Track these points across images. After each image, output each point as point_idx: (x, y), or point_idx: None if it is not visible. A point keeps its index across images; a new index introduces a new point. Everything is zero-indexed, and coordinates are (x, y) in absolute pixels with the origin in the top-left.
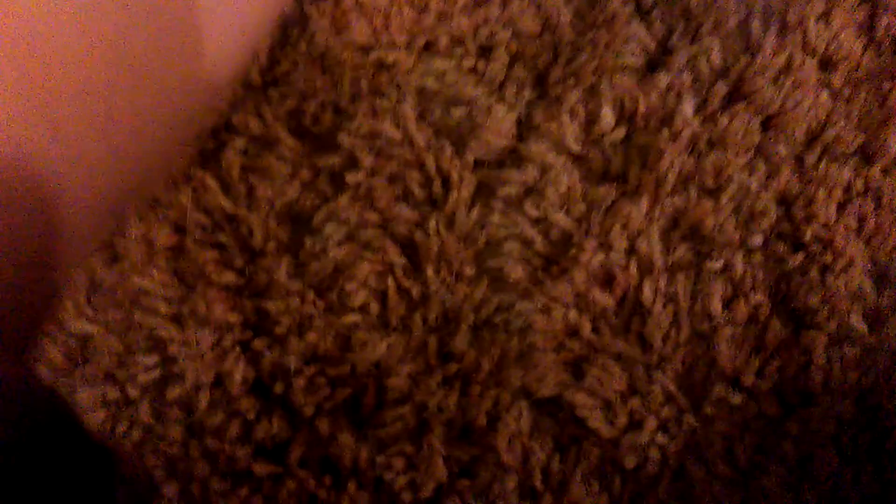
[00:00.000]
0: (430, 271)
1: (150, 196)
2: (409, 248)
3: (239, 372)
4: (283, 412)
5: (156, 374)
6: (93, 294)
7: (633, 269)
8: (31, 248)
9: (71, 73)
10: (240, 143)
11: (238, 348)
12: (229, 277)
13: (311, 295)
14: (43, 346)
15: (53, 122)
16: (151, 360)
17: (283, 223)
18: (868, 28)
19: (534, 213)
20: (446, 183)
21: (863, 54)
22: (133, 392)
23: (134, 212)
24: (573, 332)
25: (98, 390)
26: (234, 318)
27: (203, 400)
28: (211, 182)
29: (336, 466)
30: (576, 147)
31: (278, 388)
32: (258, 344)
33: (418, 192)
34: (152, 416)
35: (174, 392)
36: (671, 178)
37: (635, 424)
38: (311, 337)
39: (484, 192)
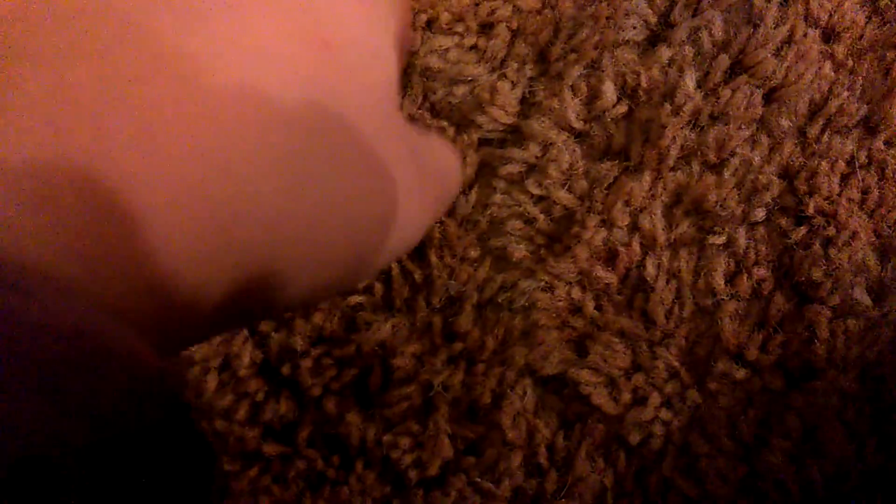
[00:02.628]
0: (433, 257)
1: None
2: None
3: (247, 354)
4: (291, 393)
5: None
6: None
7: (636, 245)
8: None
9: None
10: None
11: (245, 331)
12: None
13: None
14: None
15: None
16: None
17: None
18: None
19: (536, 190)
20: None
21: (866, 24)
22: None
23: None
24: (576, 309)
25: None
26: None
27: (212, 382)
28: None
29: (344, 446)
30: (577, 123)
31: (285, 369)
32: (265, 326)
33: None
34: None
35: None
36: (673, 153)
37: (639, 401)
38: (317, 318)
39: (486, 172)
